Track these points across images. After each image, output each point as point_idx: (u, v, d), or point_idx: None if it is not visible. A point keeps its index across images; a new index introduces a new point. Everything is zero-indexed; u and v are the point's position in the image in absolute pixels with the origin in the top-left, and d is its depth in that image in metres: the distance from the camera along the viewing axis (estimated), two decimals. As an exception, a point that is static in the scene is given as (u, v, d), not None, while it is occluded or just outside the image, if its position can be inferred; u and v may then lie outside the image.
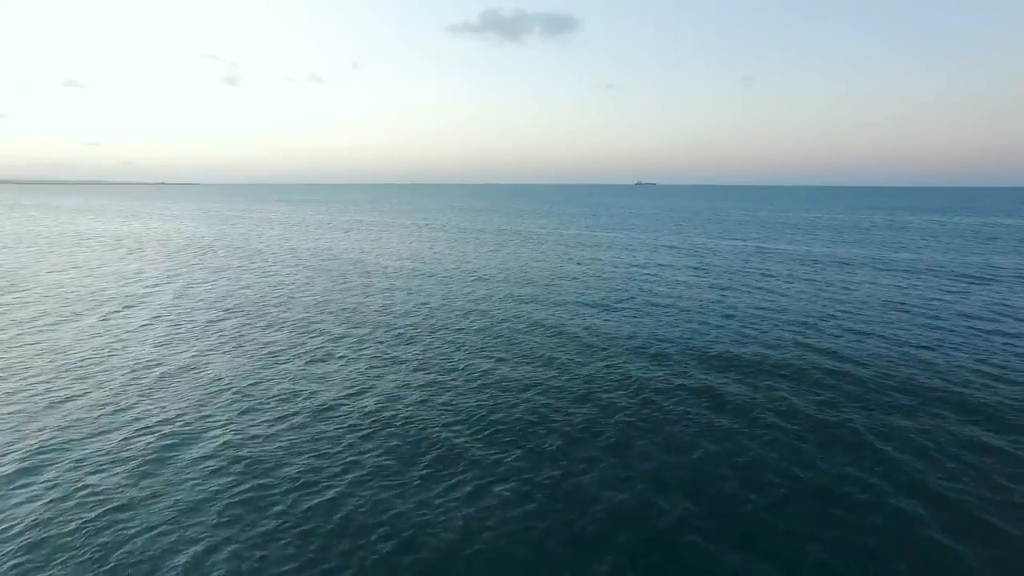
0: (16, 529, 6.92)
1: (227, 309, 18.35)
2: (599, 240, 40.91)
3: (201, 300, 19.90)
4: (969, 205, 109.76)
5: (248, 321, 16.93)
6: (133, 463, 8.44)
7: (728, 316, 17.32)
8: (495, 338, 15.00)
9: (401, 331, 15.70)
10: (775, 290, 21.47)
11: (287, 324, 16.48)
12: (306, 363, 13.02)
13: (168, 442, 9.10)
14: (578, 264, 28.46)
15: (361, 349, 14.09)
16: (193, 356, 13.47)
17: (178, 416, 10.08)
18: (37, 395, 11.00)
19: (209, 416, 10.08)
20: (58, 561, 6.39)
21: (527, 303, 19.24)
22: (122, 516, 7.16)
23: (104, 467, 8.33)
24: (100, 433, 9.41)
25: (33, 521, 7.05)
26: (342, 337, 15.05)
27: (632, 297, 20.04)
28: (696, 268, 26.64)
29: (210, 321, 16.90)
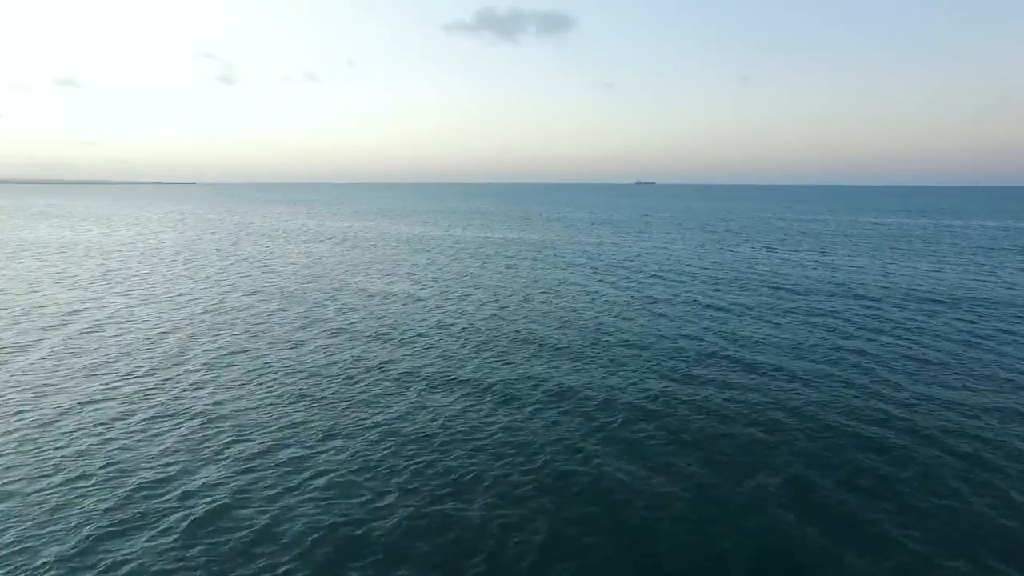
0: None
1: (105, 368, 11.75)
2: (627, 255, 34.27)
3: (84, 352, 13.32)
4: (994, 206, 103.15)
5: (130, 382, 10.36)
6: None
7: (929, 437, 10.60)
8: (512, 487, 8.40)
9: (341, 441, 9.12)
10: (981, 380, 13.58)
11: (172, 406, 9.86)
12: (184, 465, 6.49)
13: None
14: (622, 301, 21.84)
15: (272, 455, 7.56)
16: None
17: None
18: None
19: None
20: None
21: (564, 405, 12.49)
22: None
23: None
24: None
25: None
26: (255, 431, 8.49)
27: (737, 383, 12.78)
28: (786, 311, 19.65)
29: (60, 397, 10.29)
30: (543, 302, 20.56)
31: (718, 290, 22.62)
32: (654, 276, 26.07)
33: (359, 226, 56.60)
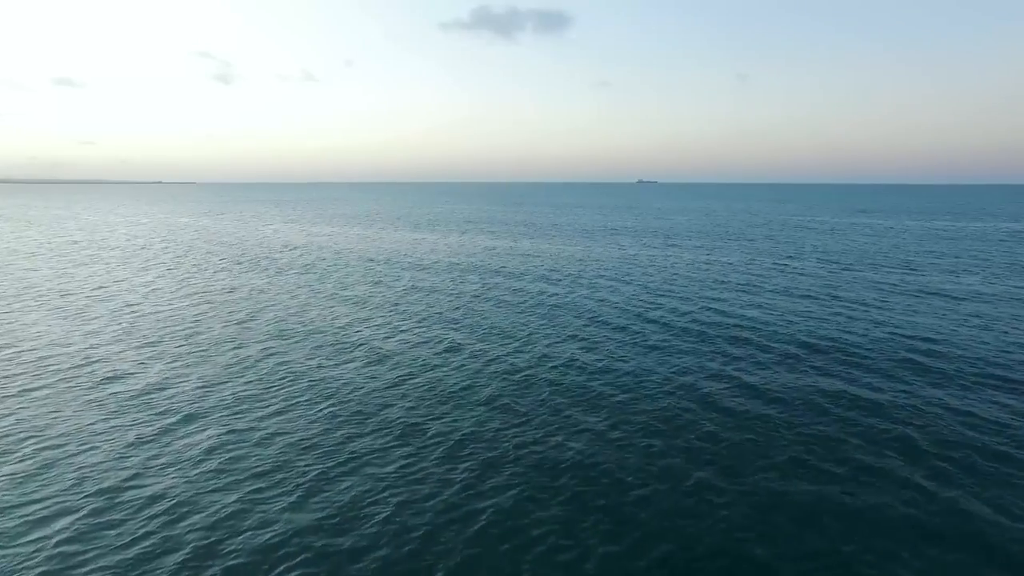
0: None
1: None
2: (666, 277, 26.59)
3: None
4: (1017, 206, 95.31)
5: None
6: None
7: None
8: None
9: None
10: None
11: None
12: None
13: None
14: (694, 378, 14.22)
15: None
16: None
17: None
18: None
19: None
20: None
21: None
22: None
23: None
24: None
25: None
26: None
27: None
28: (981, 423, 12.31)
29: None
30: (567, 371, 12.95)
31: (834, 361, 14.81)
32: (725, 328, 18.34)
33: (340, 234, 48.88)
